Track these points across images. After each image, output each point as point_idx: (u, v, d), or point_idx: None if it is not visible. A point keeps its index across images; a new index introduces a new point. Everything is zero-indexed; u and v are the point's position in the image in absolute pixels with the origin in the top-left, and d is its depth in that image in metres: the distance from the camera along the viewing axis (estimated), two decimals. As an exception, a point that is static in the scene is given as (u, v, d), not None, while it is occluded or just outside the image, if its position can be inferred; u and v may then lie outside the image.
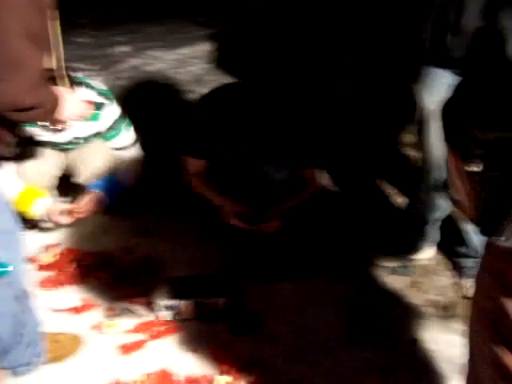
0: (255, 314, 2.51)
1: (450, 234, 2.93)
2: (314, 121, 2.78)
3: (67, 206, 2.92)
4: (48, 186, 2.98)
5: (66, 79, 2.60)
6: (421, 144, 2.63)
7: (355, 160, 3.84)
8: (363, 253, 2.96)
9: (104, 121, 3.01)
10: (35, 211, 2.85)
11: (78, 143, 3.03)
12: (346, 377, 2.21)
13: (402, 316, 2.55)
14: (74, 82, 2.70)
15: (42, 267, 2.81)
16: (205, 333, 2.43)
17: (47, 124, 2.79)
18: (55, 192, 3.09)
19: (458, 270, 2.80)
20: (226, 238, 2.85)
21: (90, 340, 2.39)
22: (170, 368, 2.24)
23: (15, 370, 2.12)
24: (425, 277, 2.82)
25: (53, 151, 3.02)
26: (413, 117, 2.60)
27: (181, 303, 2.47)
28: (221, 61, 5.49)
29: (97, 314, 2.55)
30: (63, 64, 2.00)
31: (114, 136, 3.07)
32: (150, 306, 2.53)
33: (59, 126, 2.81)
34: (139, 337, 2.40)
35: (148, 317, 2.51)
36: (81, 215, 2.91)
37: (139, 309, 2.53)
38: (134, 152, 3.17)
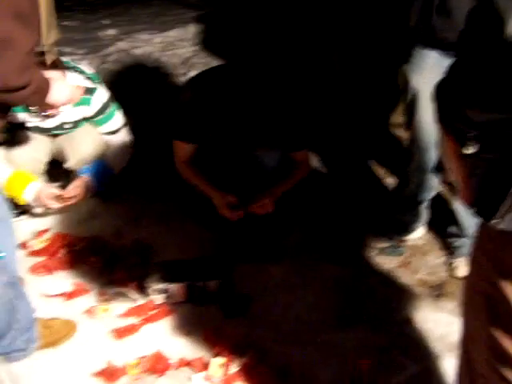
0: (246, 296, 2.52)
1: (439, 213, 2.95)
2: (303, 102, 2.76)
3: (57, 191, 2.90)
4: (37, 171, 2.96)
5: (57, 63, 2.60)
6: (409, 125, 2.63)
7: (345, 141, 3.84)
8: (354, 234, 2.97)
9: (93, 105, 2.99)
10: (26, 196, 2.83)
11: (67, 128, 3.01)
12: (338, 357, 2.22)
13: (393, 296, 2.57)
14: (63, 67, 2.68)
15: (32, 253, 2.80)
16: (197, 315, 2.44)
17: (37, 110, 2.78)
18: (44, 177, 3.07)
19: (448, 249, 2.82)
20: (216, 221, 2.85)
21: (82, 325, 2.39)
22: (163, 351, 2.24)
23: (8, 356, 2.11)
24: (415, 256, 2.84)
25: (41, 136, 3.00)
26: (400, 97, 2.59)
27: (172, 286, 2.47)
28: (209, 43, 5.46)
29: (88, 298, 2.55)
30: (54, 47, 2.00)
31: (103, 120, 3.05)
32: (141, 289, 2.54)
33: (48, 112, 2.79)
34: (131, 321, 2.41)
35: (140, 301, 2.51)
36: (70, 201, 2.90)
37: (131, 293, 2.53)
38: (123, 136, 3.15)
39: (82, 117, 3.01)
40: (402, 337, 2.33)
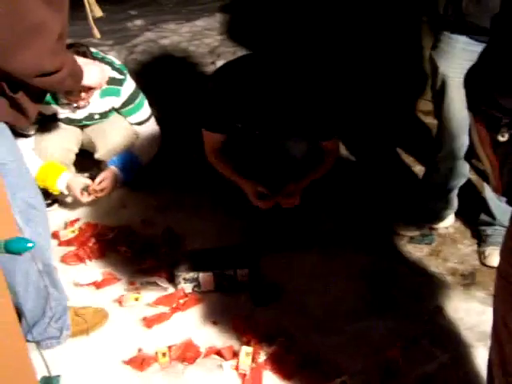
0: (276, 285, 2.53)
1: (469, 200, 2.92)
2: (331, 90, 2.73)
3: (88, 181, 2.92)
4: (67, 161, 3.00)
5: (85, 53, 2.64)
6: (438, 112, 2.60)
7: (373, 129, 3.81)
8: (383, 222, 2.95)
9: (122, 96, 3.01)
10: (59, 186, 2.87)
11: (96, 119, 3.04)
12: (368, 346, 2.21)
13: (423, 284, 2.55)
14: (92, 57, 2.71)
15: (62, 242, 2.84)
16: (225, 304, 2.45)
17: (68, 102, 2.81)
18: (73, 168, 3.10)
19: (478, 237, 2.79)
20: (246, 210, 2.85)
21: (112, 314, 2.42)
22: (193, 339, 2.26)
23: (40, 343, 2.15)
24: (444, 245, 2.81)
25: (70, 127, 3.03)
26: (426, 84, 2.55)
27: (200, 275, 2.48)
28: (235, 32, 5.46)
29: (119, 287, 2.58)
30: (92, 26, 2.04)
31: (131, 111, 3.07)
32: (171, 278, 2.55)
33: (78, 103, 2.82)
34: (162, 309, 2.42)
35: (170, 289, 2.53)
36: (99, 194, 2.93)
37: (161, 281, 2.55)
38: (152, 127, 3.17)
39: (111, 107, 3.03)
40: (432, 326, 2.31)
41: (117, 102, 3.01)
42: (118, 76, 2.95)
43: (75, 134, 3.06)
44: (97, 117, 3.02)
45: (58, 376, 1.97)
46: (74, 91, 2.68)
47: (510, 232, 1.25)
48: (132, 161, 3.05)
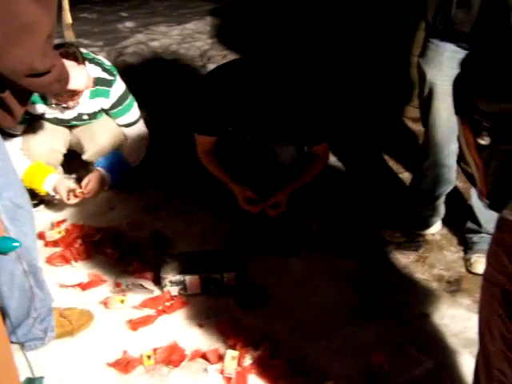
0: (263, 289, 2.52)
1: (456, 208, 2.93)
2: (322, 95, 2.73)
3: (74, 185, 2.90)
4: (55, 162, 2.98)
5: (75, 53, 2.62)
6: (425, 119, 2.61)
7: (360, 135, 3.82)
8: (371, 228, 2.96)
9: (111, 97, 3.00)
10: (46, 187, 2.85)
11: (85, 120, 3.02)
12: (354, 352, 2.21)
13: (409, 291, 2.56)
14: (82, 58, 2.70)
15: (48, 243, 2.82)
16: (211, 308, 2.45)
17: (57, 102, 2.80)
18: (61, 169, 3.08)
19: (464, 244, 2.80)
20: (234, 213, 2.84)
21: (97, 316, 2.40)
22: (178, 342, 2.25)
23: (24, 344, 2.12)
24: (431, 251, 2.82)
25: (58, 127, 3.01)
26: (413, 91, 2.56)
27: (187, 278, 2.48)
28: (226, 35, 5.46)
29: (105, 289, 2.56)
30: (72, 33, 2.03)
31: (120, 113, 3.06)
32: (157, 281, 2.54)
33: (67, 104, 2.81)
34: (147, 312, 2.41)
35: (156, 292, 2.52)
36: (86, 195, 2.91)
37: (147, 284, 2.55)
38: (140, 129, 3.15)
39: (100, 108, 3.02)
40: (418, 332, 2.32)
41: (106, 103, 3.00)
42: (107, 77, 2.94)
43: (63, 134, 3.04)
44: (85, 117, 3.01)
45: (42, 378, 1.96)
46: (61, 93, 2.68)
47: (495, 237, 1.26)
48: (119, 162, 3.03)
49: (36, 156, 2.87)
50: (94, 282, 2.59)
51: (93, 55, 2.96)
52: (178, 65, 4.91)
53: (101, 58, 3.04)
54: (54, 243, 2.82)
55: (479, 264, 2.59)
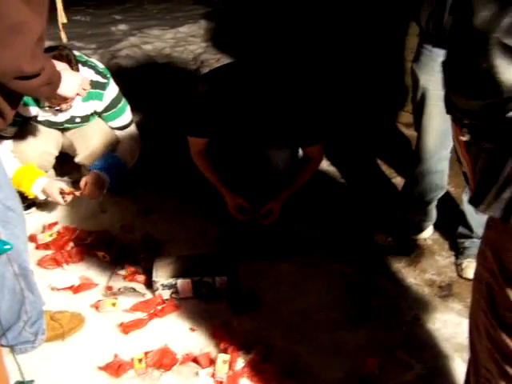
0: (254, 293, 2.52)
1: (446, 213, 2.94)
2: (316, 98, 2.73)
3: (64, 186, 2.88)
4: (47, 164, 2.96)
5: (69, 55, 2.61)
6: (418, 125, 2.62)
7: (352, 140, 3.83)
8: (362, 232, 2.96)
9: (105, 100, 2.99)
10: (34, 191, 2.83)
11: (77, 122, 3.01)
12: (345, 356, 2.22)
13: (400, 295, 2.56)
14: (76, 60, 2.69)
15: (40, 246, 2.81)
16: (203, 311, 2.44)
17: (49, 105, 2.78)
18: (53, 171, 3.07)
19: (455, 249, 2.81)
20: (225, 217, 2.84)
21: (89, 318, 2.39)
22: (170, 346, 2.25)
23: (14, 347, 2.12)
24: (422, 256, 2.83)
25: (50, 130, 3.00)
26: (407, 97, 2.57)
27: (178, 282, 2.47)
28: (220, 39, 5.47)
29: (96, 292, 2.56)
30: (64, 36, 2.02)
31: (113, 116, 3.04)
32: (149, 284, 2.54)
33: (60, 106, 2.79)
34: (139, 315, 2.41)
35: (147, 295, 2.51)
36: (82, 196, 2.88)
37: (138, 287, 2.54)
38: (132, 132, 3.14)
39: (93, 111, 3.01)
40: (409, 337, 2.32)
41: (99, 106, 2.99)
42: (101, 80, 2.93)
43: (55, 137, 3.03)
44: (78, 120, 3.00)
45: (32, 381, 1.96)
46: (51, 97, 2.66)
47: (484, 238, 1.28)
48: (116, 163, 2.99)
49: (28, 158, 2.85)
50: (85, 285, 2.58)
51: (86, 58, 2.95)
52: (171, 68, 4.91)
53: (94, 60, 3.03)
54: (46, 246, 2.81)
55: (470, 269, 2.60)
